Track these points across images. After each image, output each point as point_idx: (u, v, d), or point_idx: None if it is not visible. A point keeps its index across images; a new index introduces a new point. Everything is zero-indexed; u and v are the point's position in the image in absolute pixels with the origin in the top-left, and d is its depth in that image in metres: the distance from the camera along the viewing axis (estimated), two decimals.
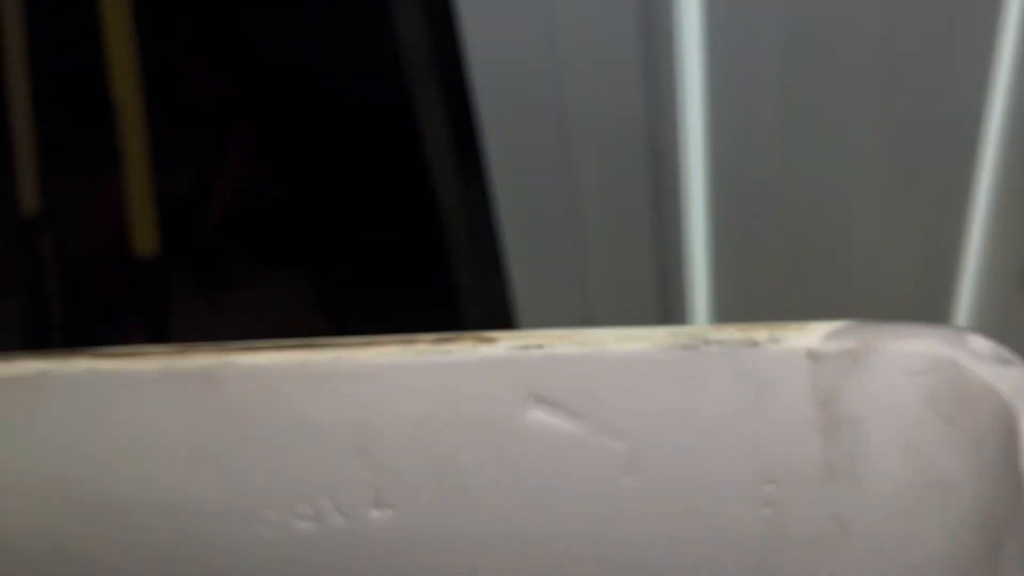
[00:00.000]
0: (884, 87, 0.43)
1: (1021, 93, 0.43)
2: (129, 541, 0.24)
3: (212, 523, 0.24)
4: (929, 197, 0.47)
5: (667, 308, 0.51)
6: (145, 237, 0.85)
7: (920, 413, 0.20)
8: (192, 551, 0.24)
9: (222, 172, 0.95)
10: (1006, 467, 0.18)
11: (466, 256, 0.53)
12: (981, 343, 0.19)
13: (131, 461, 0.23)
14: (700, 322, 0.51)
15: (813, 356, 0.19)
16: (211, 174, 0.96)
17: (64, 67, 0.90)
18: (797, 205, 0.47)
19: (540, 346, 0.21)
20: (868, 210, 0.47)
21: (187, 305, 0.89)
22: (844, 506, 0.22)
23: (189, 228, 0.91)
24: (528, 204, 0.49)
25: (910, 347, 0.19)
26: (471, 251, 0.53)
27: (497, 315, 0.54)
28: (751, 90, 0.44)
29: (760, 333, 0.20)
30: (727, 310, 0.50)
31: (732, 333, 0.20)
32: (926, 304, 0.49)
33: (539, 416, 0.22)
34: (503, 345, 0.21)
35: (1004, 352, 0.19)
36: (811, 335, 0.20)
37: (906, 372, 0.19)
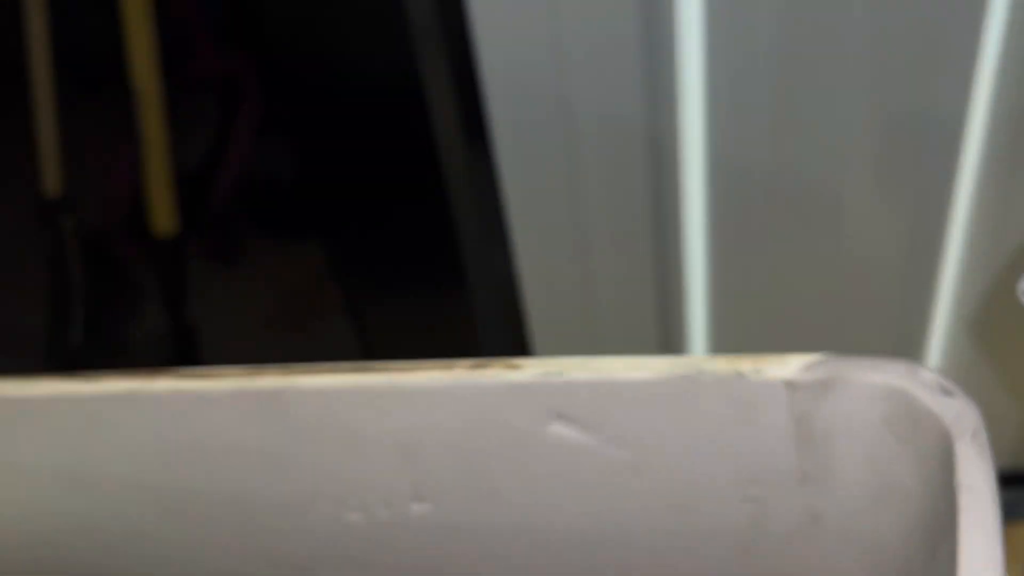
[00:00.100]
0: (875, 86, 0.46)
1: (1004, 92, 0.46)
2: (202, 530, 0.28)
3: (274, 516, 0.28)
4: (915, 194, 0.50)
5: (664, 288, 0.53)
6: (163, 217, 0.88)
7: (878, 432, 0.23)
8: (257, 539, 0.28)
9: (232, 146, 0.98)
10: (945, 480, 0.22)
11: (472, 227, 0.55)
12: (929, 377, 0.23)
13: (207, 464, 0.27)
14: (695, 304, 0.54)
15: (790, 385, 0.23)
16: (220, 148, 0.98)
17: (84, 52, 0.93)
18: (791, 200, 0.50)
19: (560, 372, 0.24)
20: (859, 208, 0.50)
21: (200, 277, 0.93)
22: (816, 504, 0.26)
23: (200, 201, 0.93)
24: (532, 176, 0.51)
25: (871, 378, 0.23)
26: (477, 222, 0.55)
27: (501, 285, 0.57)
28: (749, 88, 0.47)
29: (745, 364, 0.23)
30: (722, 297, 0.53)
31: (722, 364, 0.23)
32: (908, 301, 0.52)
33: (558, 430, 0.25)
34: (528, 372, 0.25)
35: (948, 385, 0.22)
36: (789, 367, 0.23)
37: (867, 399, 0.23)
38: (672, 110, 0.47)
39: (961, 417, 0.22)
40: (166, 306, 0.92)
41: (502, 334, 0.58)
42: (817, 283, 0.51)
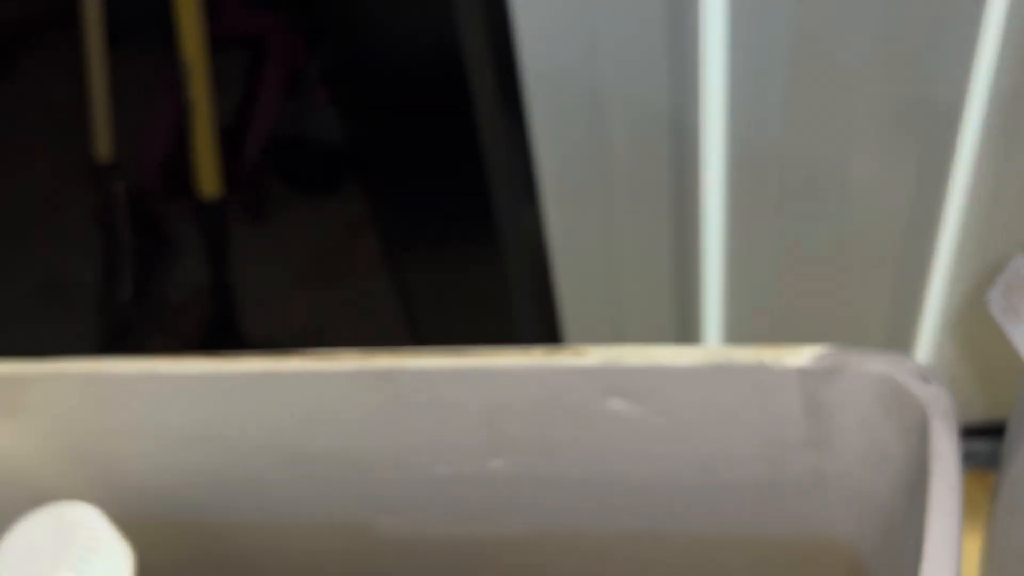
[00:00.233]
0: (885, 71, 0.50)
1: (1003, 79, 0.50)
2: (322, 483, 0.35)
3: (381, 470, 0.34)
4: (917, 177, 0.54)
5: (681, 246, 0.57)
6: (209, 180, 0.93)
7: (871, 409, 0.30)
8: (366, 489, 0.35)
9: (261, 104, 1.02)
10: (922, 447, 0.28)
11: (504, 188, 0.58)
12: (913, 365, 0.29)
13: (328, 429, 0.33)
14: (712, 278, 0.60)
15: (802, 371, 0.29)
16: (250, 106, 1.03)
17: (135, 24, 0.97)
18: (802, 181, 0.55)
19: (618, 359, 0.31)
20: (863, 190, 0.55)
21: (233, 235, 0.98)
22: (820, 464, 0.32)
23: (232, 159, 0.98)
24: (562, 144, 0.53)
25: (867, 367, 0.29)
26: (509, 183, 0.58)
27: (530, 243, 0.61)
28: (767, 66, 0.50)
29: (767, 355, 0.30)
30: (736, 262, 0.57)
31: (748, 354, 0.30)
32: (904, 283, 0.57)
33: (613, 403, 0.32)
34: (592, 357, 0.31)
35: (928, 372, 0.29)
36: (802, 357, 0.29)
37: (863, 382, 0.29)
38: (694, 87, 0.51)
39: (936, 400, 0.28)
40: (208, 265, 0.97)
41: (530, 287, 0.63)
42: (822, 263, 0.56)
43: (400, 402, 0.32)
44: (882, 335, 0.58)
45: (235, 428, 0.34)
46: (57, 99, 1.04)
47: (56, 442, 0.35)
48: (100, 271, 0.97)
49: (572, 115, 0.52)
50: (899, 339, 0.58)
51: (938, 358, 0.60)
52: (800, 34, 0.48)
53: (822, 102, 0.52)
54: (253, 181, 1.03)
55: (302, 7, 1.07)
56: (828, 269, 0.57)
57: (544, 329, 0.65)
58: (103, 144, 0.93)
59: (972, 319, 0.58)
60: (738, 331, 0.60)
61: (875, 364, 0.29)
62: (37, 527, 0.33)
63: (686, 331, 0.61)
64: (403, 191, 0.75)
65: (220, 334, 0.97)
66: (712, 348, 0.30)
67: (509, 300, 0.64)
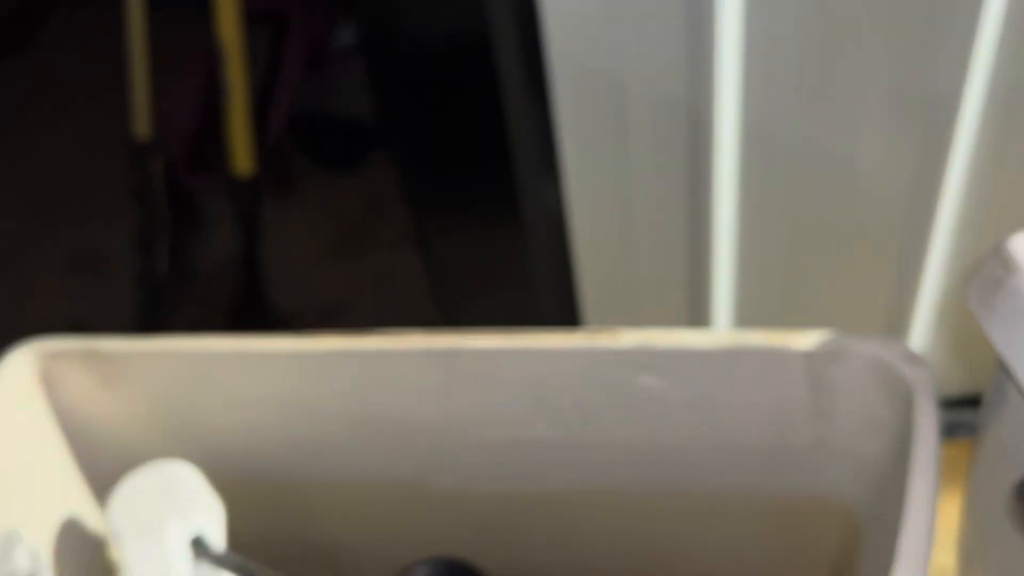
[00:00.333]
0: (888, 63, 0.53)
1: (1002, 71, 0.53)
2: (388, 445, 0.40)
3: (441, 434, 0.40)
4: (915, 166, 0.58)
5: (695, 220, 0.60)
6: (242, 159, 0.97)
7: (867, 384, 0.35)
8: (420, 450, 0.40)
9: (283, 79, 1.06)
10: (908, 417, 0.33)
11: (528, 161, 0.61)
12: (902, 349, 0.34)
13: (393, 399, 0.39)
14: (723, 265, 0.64)
15: (808, 354, 0.35)
16: (273, 81, 1.07)
17: (169, 3, 1.00)
18: (811, 169, 0.59)
19: (650, 340, 0.36)
20: (868, 179, 0.58)
21: (264, 208, 1.02)
22: (821, 431, 0.37)
23: (261, 134, 1.01)
24: (584, 124, 0.54)
25: (863, 350, 0.34)
26: (533, 157, 0.60)
27: (552, 218, 0.65)
28: (780, 63, 0.53)
29: (777, 339, 0.35)
30: (748, 236, 0.60)
31: (761, 338, 0.35)
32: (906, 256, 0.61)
33: (644, 378, 0.37)
34: (628, 340, 0.36)
35: (914, 355, 0.34)
36: (808, 341, 0.35)
37: (860, 362, 0.34)
38: (710, 78, 0.54)
39: (920, 378, 0.33)
40: (241, 239, 1.01)
41: (551, 263, 0.67)
42: (828, 249, 0.61)
43: (458, 376, 0.38)
44: (882, 316, 0.63)
45: (314, 398, 0.39)
46: (94, 78, 1.08)
47: (156, 410, 0.41)
48: (136, 245, 1.02)
49: (595, 100, 0.55)
50: (897, 321, 0.62)
51: (933, 337, 0.64)
52: (810, 28, 0.51)
53: (831, 93, 0.55)
54: (280, 157, 1.07)
55: None
56: (833, 253, 0.61)
57: (563, 302, 0.70)
58: (142, 123, 0.97)
59: (964, 302, 0.63)
60: (747, 307, 0.64)
61: (870, 348, 0.34)
62: (143, 481, 0.39)
63: (698, 307, 0.66)
64: (430, 167, 0.78)
65: (250, 305, 1.02)
66: (730, 333, 0.36)
67: (530, 275, 0.68)
